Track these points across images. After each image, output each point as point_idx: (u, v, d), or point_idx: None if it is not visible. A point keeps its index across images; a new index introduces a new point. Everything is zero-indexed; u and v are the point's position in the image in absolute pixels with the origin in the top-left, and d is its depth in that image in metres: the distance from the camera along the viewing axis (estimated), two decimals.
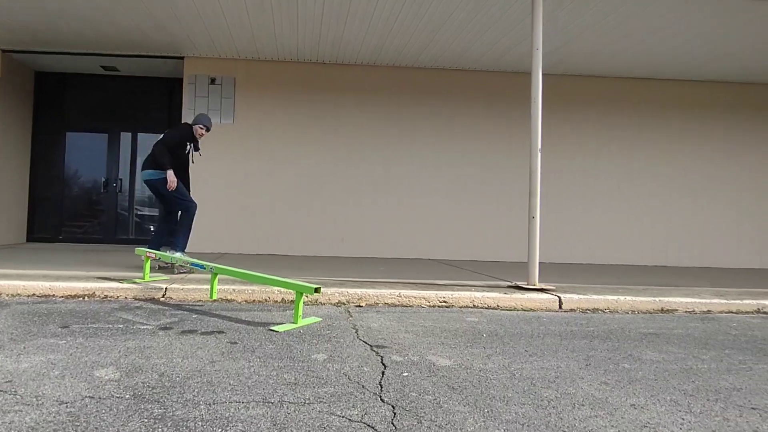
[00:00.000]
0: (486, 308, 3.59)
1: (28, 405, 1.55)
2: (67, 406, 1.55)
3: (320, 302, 3.55)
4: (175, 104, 7.63)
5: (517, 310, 3.57)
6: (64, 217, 7.90)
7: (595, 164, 7.46)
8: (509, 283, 4.31)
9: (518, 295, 3.69)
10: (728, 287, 4.64)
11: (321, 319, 2.98)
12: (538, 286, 4.02)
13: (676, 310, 3.73)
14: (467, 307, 3.61)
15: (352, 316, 3.15)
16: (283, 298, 3.56)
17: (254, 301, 3.53)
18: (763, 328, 3.26)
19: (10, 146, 7.22)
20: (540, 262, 4.34)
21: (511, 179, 7.32)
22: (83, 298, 3.43)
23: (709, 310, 3.76)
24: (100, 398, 1.61)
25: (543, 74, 4.30)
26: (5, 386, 1.71)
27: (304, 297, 3.11)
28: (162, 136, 4.62)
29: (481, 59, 6.87)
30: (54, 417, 1.46)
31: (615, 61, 6.80)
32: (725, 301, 3.82)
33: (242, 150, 7.11)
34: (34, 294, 3.45)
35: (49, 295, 3.45)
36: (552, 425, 1.55)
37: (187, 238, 4.61)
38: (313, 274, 4.53)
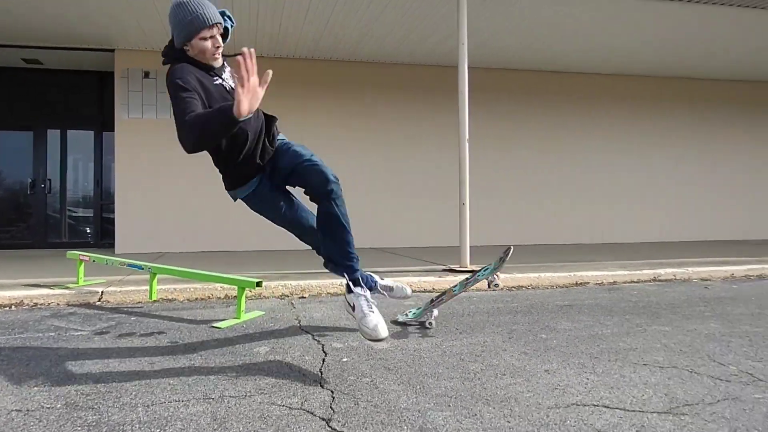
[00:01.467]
0: (423, 291, 3.69)
1: None
2: None
3: (263, 296, 3.49)
4: (107, 99, 7.06)
5: None
6: None
7: (521, 152, 7.83)
8: (444, 267, 4.46)
9: (452, 278, 3.84)
10: (632, 260, 5.09)
11: (264, 313, 2.94)
12: (469, 268, 4.19)
13: (588, 282, 4.05)
14: None
15: (295, 307, 3.13)
16: (226, 294, 3.47)
17: (196, 299, 3.41)
18: (658, 294, 3.61)
19: None
20: (472, 246, 4.52)
21: (447, 168, 7.52)
22: (9, 307, 3.14)
23: (614, 281, 4.11)
24: (28, 410, 1.51)
25: (470, 68, 4.44)
26: None
27: (246, 291, 3.05)
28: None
29: (414, 53, 6.96)
30: None
31: (538, 55, 7.15)
32: (628, 272, 4.19)
33: (179, 146, 6.74)
34: None
35: None
36: (477, 395, 1.65)
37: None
38: (257, 269, 4.45)
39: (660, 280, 4.18)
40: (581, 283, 4.03)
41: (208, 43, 1.83)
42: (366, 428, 1.38)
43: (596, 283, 4.05)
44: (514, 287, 3.87)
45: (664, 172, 8.34)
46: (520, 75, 7.84)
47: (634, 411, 1.51)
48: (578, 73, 7.97)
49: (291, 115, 7.13)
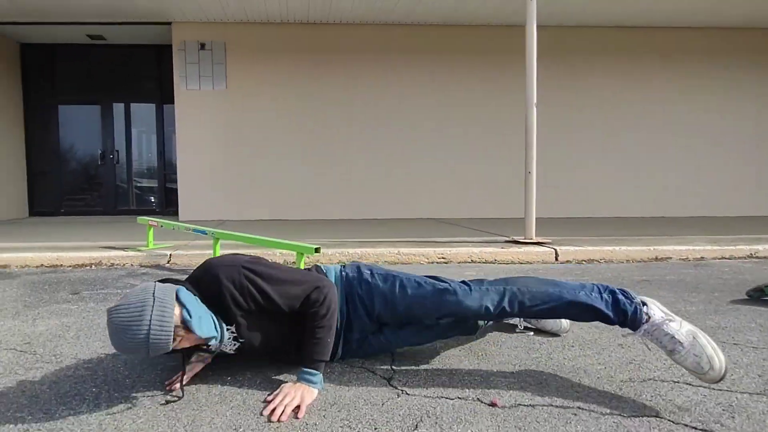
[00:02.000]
0: (484, 262, 3.68)
1: (48, 362, 1.65)
2: (84, 362, 1.64)
3: (321, 263, 3.63)
4: (166, 72, 7.48)
5: (515, 264, 3.66)
6: (64, 191, 7.94)
7: (591, 117, 7.39)
8: (506, 238, 4.39)
9: (515, 249, 3.77)
10: (723, 235, 4.72)
11: None
12: (534, 240, 4.09)
13: (670, 258, 3.82)
14: (465, 262, 3.70)
15: None
16: (284, 260, 3.65)
17: None
18: (755, 272, 3.34)
19: (3, 122, 7.17)
20: (537, 218, 4.40)
21: (509, 135, 7.28)
22: (90, 266, 3.52)
23: (702, 257, 3.85)
24: (115, 354, 1.70)
25: (537, 26, 4.22)
26: (25, 347, 1.80)
27: (305, 258, 3.18)
28: None
29: (477, 13, 6.69)
30: (73, 372, 1.56)
31: (613, 9, 6.62)
32: (718, 247, 3.90)
33: (236, 116, 7.05)
34: (42, 265, 3.54)
35: (57, 265, 3.55)
36: (542, 364, 1.64)
37: None
38: (313, 237, 4.61)
39: (758, 257, 3.86)
40: (662, 258, 3.81)
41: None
42: (426, 388, 1.43)
43: (680, 259, 3.82)
44: (585, 260, 3.74)
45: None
46: (595, 32, 7.30)
47: (721, 390, 1.44)
48: (662, 27, 7.29)
49: (365, 79, 7.17)
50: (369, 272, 1.60)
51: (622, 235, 4.75)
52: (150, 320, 1.17)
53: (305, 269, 1.56)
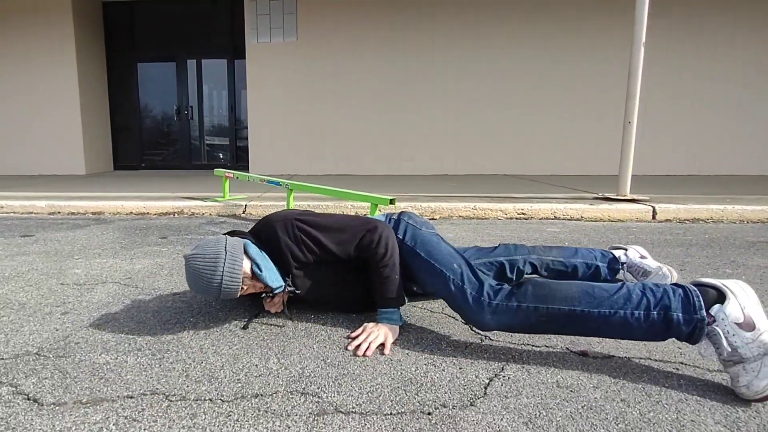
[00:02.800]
0: (568, 219, 3.55)
1: (148, 295, 1.86)
2: (179, 296, 1.84)
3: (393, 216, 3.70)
4: (238, 26, 7.70)
5: (604, 221, 3.50)
6: (144, 146, 8.63)
7: (709, 65, 6.64)
8: (596, 195, 4.18)
9: (606, 206, 3.59)
10: None
11: None
12: (629, 197, 3.87)
13: None
14: (548, 218, 3.59)
15: None
16: (356, 213, 3.76)
17: None
18: None
19: (90, 79, 7.83)
20: (633, 175, 4.12)
21: (602, 84, 6.77)
22: (173, 215, 3.85)
23: None
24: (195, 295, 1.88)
25: None
26: (127, 281, 2.05)
27: (378, 209, 3.26)
28: None
29: None
30: (171, 304, 1.75)
31: None
32: None
33: (307, 68, 7.16)
34: (131, 212, 3.93)
35: (144, 213, 3.92)
36: None
37: None
38: (384, 191, 4.68)
39: None
40: None
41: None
42: (510, 336, 1.45)
43: None
44: (688, 220, 3.49)
45: None
46: None
47: None
48: None
49: (447, 29, 6.98)
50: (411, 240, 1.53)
51: (733, 193, 4.34)
52: (222, 271, 1.34)
53: (354, 216, 1.58)
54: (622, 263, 1.86)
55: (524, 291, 1.28)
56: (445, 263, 1.41)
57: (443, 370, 1.24)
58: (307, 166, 7.36)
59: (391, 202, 2.92)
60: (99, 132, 8.12)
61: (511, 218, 3.62)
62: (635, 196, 3.90)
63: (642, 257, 1.89)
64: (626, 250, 1.91)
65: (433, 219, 3.63)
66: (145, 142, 8.62)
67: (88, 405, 1.09)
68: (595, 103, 6.81)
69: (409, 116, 7.13)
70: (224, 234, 1.49)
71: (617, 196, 3.93)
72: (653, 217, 3.52)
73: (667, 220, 3.49)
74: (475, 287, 1.34)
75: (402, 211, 1.68)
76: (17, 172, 7.68)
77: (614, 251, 1.92)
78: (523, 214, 3.62)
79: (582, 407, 1.08)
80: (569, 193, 4.41)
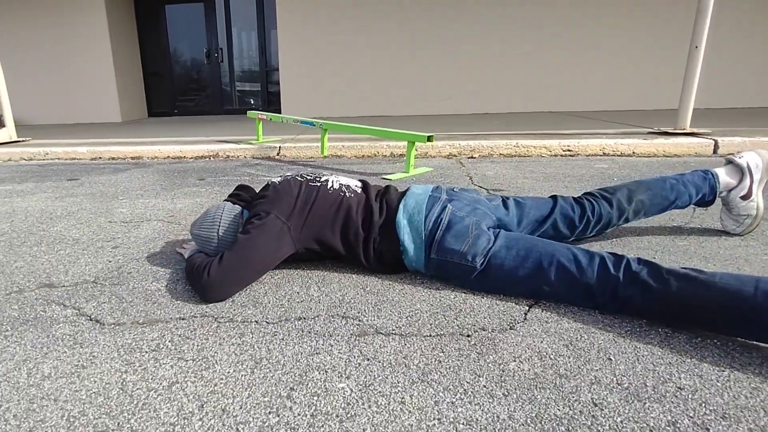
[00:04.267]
0: (618, 155, 3.43)
1: None
2: None
3: (429, 155, 3.68)
4: None
5: (658, 157, 3.36)
6: (176, 92, 8.76)
7: None
8: (650, 130, 3.99)
9: (661, 140, 3.44)
10: None
11: (432, 169, 3.13)
12: (688, 130, 3.67)
13: None
14: (596, 155, 3.48)
15: (464, 166, 3.24)
16: (391, 153, 3.76)
17: (363, 156, 3.78)
18: None
19: (120, 24, 7.89)
20: (695, 109, 3.88)
21: (660, 11, 6.27)
22: (209, 158, 3.97)
23: None
24: None
25: None
26: (170, 219, 2.16)
27: (415, 147, 3.24)
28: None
29: None
30: None
31: None
32: None
33: (336, 6, 6.95)
34: (168, 156, 4.07)
35: (181, 157, 4.05)
36: (690, 252, 1.57)
37: None
38: (420, 131, 4.62)
39: None
40: None
41: None
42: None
43: None
44: None
45: None
46: None
47: None
48: None
49: None
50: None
51: None
52: (217, 236, 1.46)
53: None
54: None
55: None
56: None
57: (483, 298, 1.28)
58: (340, 108, 7.31)
59: (429, 139, 2.89)
60: (132, 78, 8.28)
61: (555, 155, 3.53)
62: (695, 130, 3.70)
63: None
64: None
65: (472, 158, 3.59)
66: (177, 88, 8.74)
67: (145, 325, 1.20)
68: (655, 30, 6.34)
69: (447, 52, 6.88)
70: (225, 202, 1.53)
71: (675, 130, 3.74)
72: (714, 152, 3.35)
73: (730, 155, 3.31)
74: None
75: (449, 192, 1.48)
76: (57, 122, 8.01)
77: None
78: (568, 150, 3.52)
79: (626, 332, 1.10)
80: (620, 129, 4.22)
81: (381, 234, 1.41)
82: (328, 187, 1.47)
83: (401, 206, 1.42)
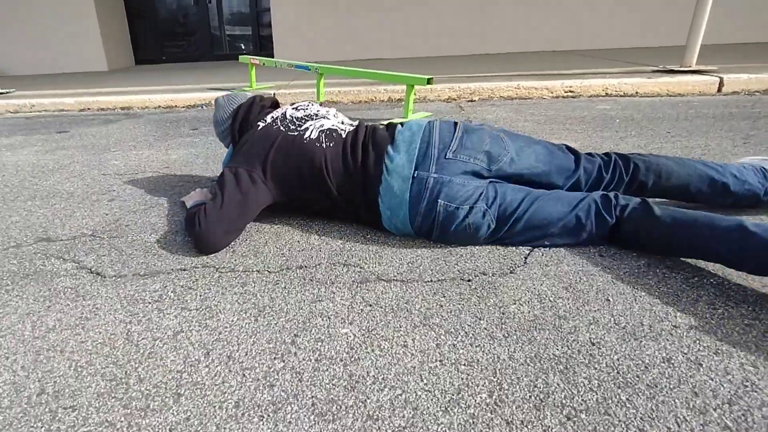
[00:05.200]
0: (621, 96, 3.36)
1: (188, 182, 1.95)
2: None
3: (428, 99, 3.60)
4: None
5: (661, 96, 3.29)
6: (164, 38, 8.43)
7: None
8: (655, 68, 3.88)
9: (665, 79, 3.35)
10: None
11: (431, 114, 3.07)
12: (694, 68, 3.58)
13: None
14: (598, 95, 3.41)
15: (464, 110, 3.18)
16: (389, 97, 3.67)
17: (360, 101, 3.70)
18: None
19: None
20: (702, 45, 3.74)
21: None
22: (201, 107, 3.88)
23: None
24: None
25: None
26: (165, 170, 2.14)
27: (415, 91, 3.16)
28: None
29: None
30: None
31: None
32: None
33: None
34: (159, 106, 3.98)
35: (172, 106, 3.96)
36: None
37: None
38: (421, 72, 4.49)
39: None
40: None
41: None
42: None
43: None
44: (759, 91, 3.23)
45: None
46: None
47: None
48: None
49: None
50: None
51: None
52: (227, 123, 1.59)
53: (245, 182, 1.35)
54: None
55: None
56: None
57: (483, 246, 1.29)
58: (335, 50, 7.06)
59: (429, 81, 2.81)
60: (115, 24, 7.94)
61: (557, 96, 3.45)
62: (701, 67, 3.60)
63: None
64: None
65: (471, 101, 3.51)
66: (163, 32, 8.41)
67: (146, 276, 1.21)
68: None
69: None
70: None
71: (681, 67, 3.64)
72: (719, 90, 3.27)
73: (734, 93, 3.25)
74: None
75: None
76: (40, 71, 7.76)
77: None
78: (570, 91, 3.44)
79: (624, 273, 1.11)
80: (624, 67, 4.11)
81: (361, 199, 1.32)
82: (305, 137, 1.37)
83: (382, 190, 1.27)
